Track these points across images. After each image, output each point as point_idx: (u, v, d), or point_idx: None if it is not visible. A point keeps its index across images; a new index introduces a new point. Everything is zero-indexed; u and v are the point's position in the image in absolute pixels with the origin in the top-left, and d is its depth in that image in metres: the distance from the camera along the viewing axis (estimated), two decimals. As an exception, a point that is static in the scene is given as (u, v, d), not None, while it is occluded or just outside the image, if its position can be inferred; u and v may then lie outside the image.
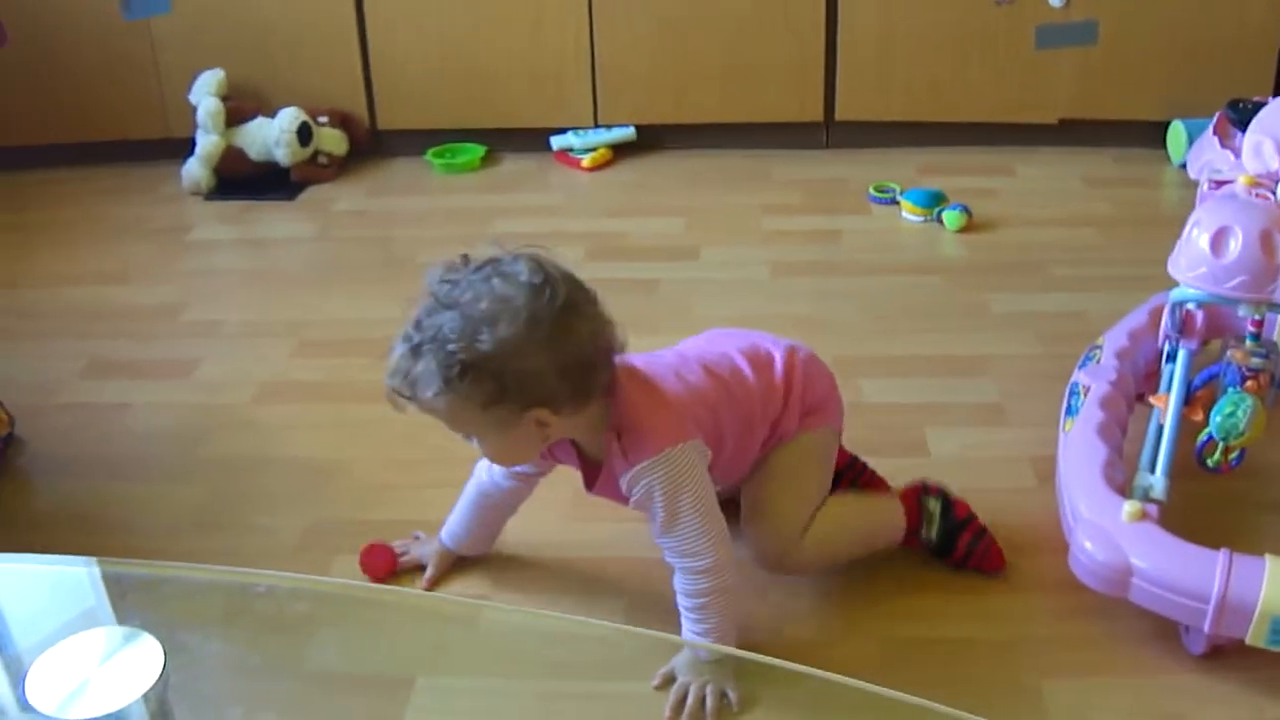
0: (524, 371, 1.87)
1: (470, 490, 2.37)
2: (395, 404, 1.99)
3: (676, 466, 2.00)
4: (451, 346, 1.84)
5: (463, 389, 1.86)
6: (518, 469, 2.27)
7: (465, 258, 1.95)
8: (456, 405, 1.90)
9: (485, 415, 1.91)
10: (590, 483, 2.15)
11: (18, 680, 1.43)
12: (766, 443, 2.27)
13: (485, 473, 2.34)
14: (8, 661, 1.68)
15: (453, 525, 2.40)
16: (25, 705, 1.38)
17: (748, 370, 2.23)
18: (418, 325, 1.90)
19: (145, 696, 1.38)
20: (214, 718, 1.65)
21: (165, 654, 1.41)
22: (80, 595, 1.80)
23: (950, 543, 2.34)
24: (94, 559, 1.81)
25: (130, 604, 1.77)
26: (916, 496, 2.38)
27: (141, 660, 1.41)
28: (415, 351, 1.89)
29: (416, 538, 2.46)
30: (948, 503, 2.37)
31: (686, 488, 2.01)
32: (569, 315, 1.89)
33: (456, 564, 2.42)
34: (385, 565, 2.40)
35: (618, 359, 2.00)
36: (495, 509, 2.38)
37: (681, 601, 2.05)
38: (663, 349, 2.28)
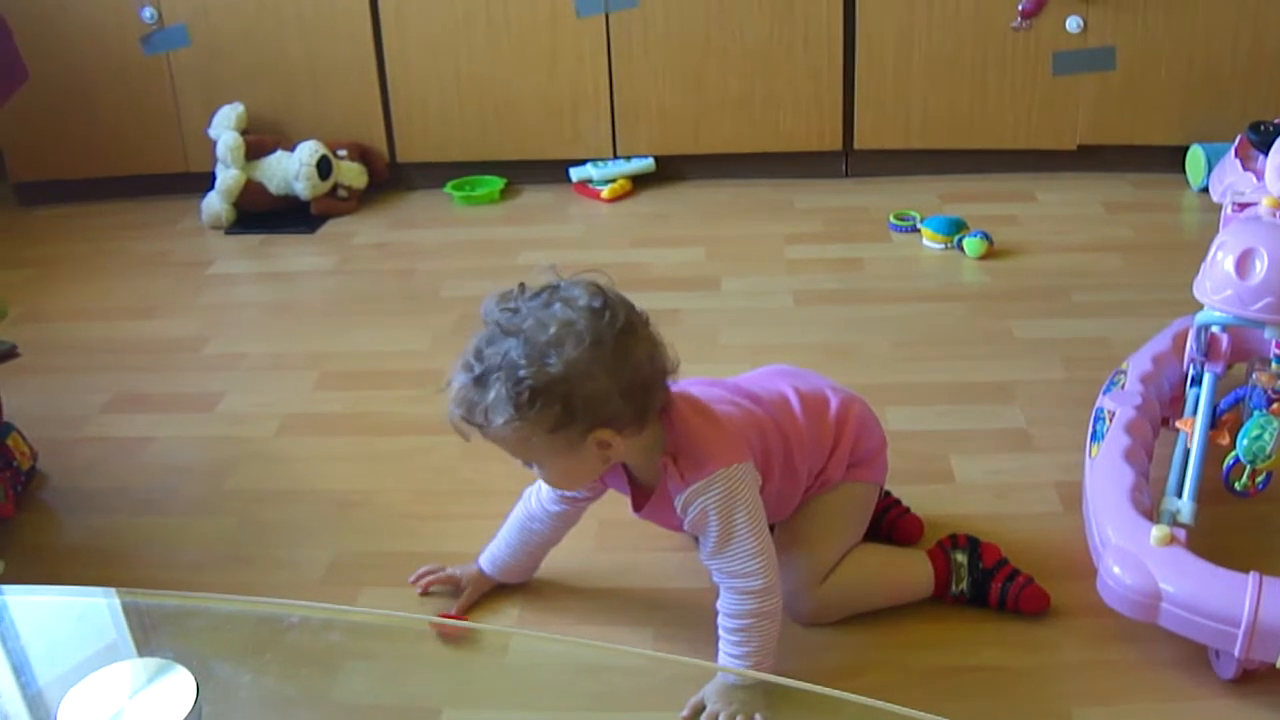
0: (590, 393, 1.88)
1: (516, 516, 2.37)
2: (462, 433, 1.99)
3: (731, 486, 2.01)
4: (522, 373, 1.85)
5: (532, 414, 1.87)
6: (568, 493, 2.28)
7: (522, 286, 1.96)
8: (525, 431, 1.91)
9: (552, 439, 1.92)
10: (639, 505, 2.16)
11: (50, 713, 1.43)
12: (809, 489, 2.29)
13: (534, 499, 2.34)
14: (34, 695, 1.68)
15: (494, 551, 2.39)
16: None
17: (799, 409, 2.26)
18: (479, 355, 1.91)
19: (178, 730, 1.38)
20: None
21: (198, 686, 1.41)
22: (106, 628, 1.80)
23: (982, 592, 2.32)
24: (118, 590, 1.80)
25: (161, 636, 1.77)
26: (944, 552, 2.36)
27: (174, 692, 1.41)
28: (480, 381, 1.90)
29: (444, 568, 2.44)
30: (975, 552, 2.35)
31: (741, 507, 2.02)
32: (628, 337, 1.91)
33: (483, 598, 2.41)
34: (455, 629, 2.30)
35: (671, 382, 2.02)
36: (540, 535, 2.36)
37: (724, 623, 2.05)
38: (721, 378, 2.32)
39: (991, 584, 2.31)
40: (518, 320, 1.90)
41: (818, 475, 2.29)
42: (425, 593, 2.41)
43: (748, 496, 2.03)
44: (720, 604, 2.06)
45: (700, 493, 2.01)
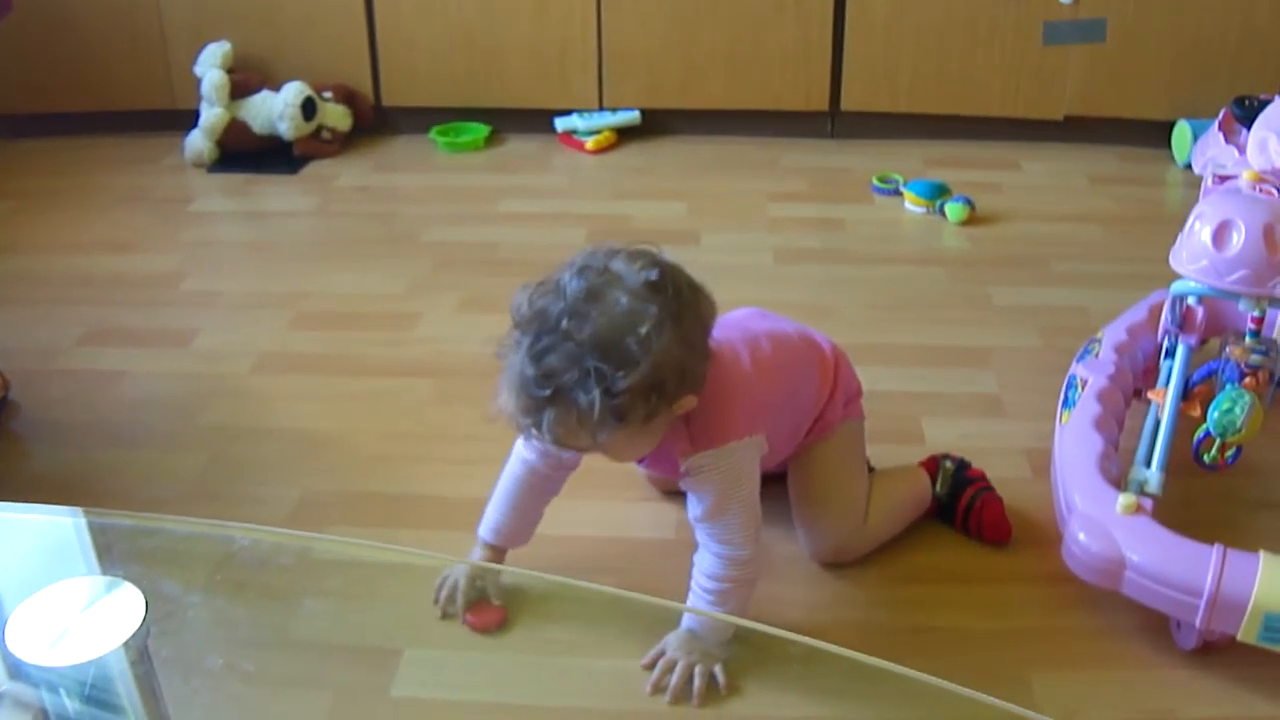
0: (679, 370, 1.82)
1: (516, 474, 2.17)
2: (564, 456, 1.98)
3: (738, 461, 1.99)
4: (620, 383, 1.74)
5: (637, 416, 1.80)
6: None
7: (555, 284, 1.82)
8: (626, 432, 1.83)
9: (645, 425, 1.85)
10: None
11: (-1, 626, 1.44)
12: (811, 430, 2.28)
13: (537, 456, 2.14)
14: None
15: (497, 517, 2.19)
16: (5, 651, 1.37)
17: (807, 353, 2.25)
18: (547, 372, 1.76)
19: (126, 645, 1.37)
20: (195, 668, 1.65)
21: (147, 604, 1.41)
22: (62, 545, 1.79)
23: (955, 497, 2.39)
24: (79, 509, 1.80)
25: (114, 555, 1.76)
26: (935, 462, 2.44)
27: (123, 609, 1.41)
28: (559, 400, 1.77)
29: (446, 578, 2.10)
30: (962, 465, 2.44)
31: (743, 483, 2.00)
32: (693, 297, 1.87)
33: (449, 541, 2.36)
34: (495, 618, 2.05)
35: None
36: (544, 487, 2.19)
37: (701, 583, 2.02)
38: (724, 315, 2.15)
39: (966, 490, 2.39)
40: (582, 324, 1.77)
41: (817, 420, 2.28)
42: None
43: (751, 469, 2.02)
44: (699, 564, 2.04)
45: (708, 461, 1.97)
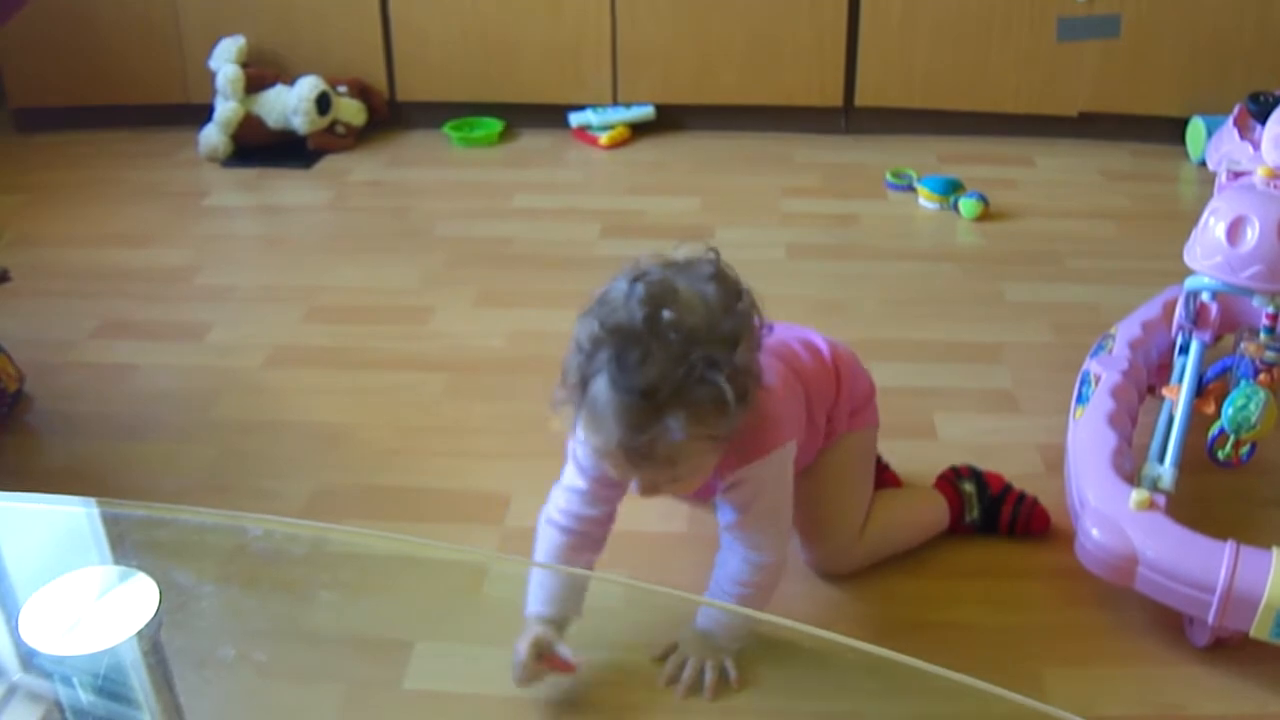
0: (755, 353, 1.80)
1: (555, 541, 2.01)
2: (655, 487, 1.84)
3: (778, 469, 1.97)
4: (738, 360, 1.72)
5: (754, 391, 1.77)
6: (606, 491, 2.00)
7: (623, 297, 1.72)
8: (739, 415, 1.75)
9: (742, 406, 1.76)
10: None
11: (12, 616, 1.43)
12: (826, 438, 2.24)
13: (569, 520, 2.00)
14: (2, 598, 1.68)
15: (549, 590, 1.95)
16: (19, 640, 1.38)
17: (806, 357, 2.18)
18: (659, 379, 1.67)
19: (139, 635, 1.37)
20: (207, 659, 1.65)
21: (160, 594, 1.41)
22: (77, 535, 1.79)
23: (994, 518, 2.37)
24: (92, 499, 1.80)
25: (127, 545, 1.76)
26: (951, 483, 2.39)
27: (136, 599, 1.41)
28: (683, 398, 1.68)
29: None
30: (981, 481, 2.39)
31: (781, 491, 1.99)
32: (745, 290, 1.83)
33: (462, 535, 2.37)
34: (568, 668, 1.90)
35: None
36: (585, 544, 2.02)
37: (725, 586, 1.99)
38: None
39: (1002, 509, 2.36)
40: (676, 320, 1.69)
41: (828, 420, 2.24)
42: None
43: (789, 477, 2.00)
44: (724, 566, 2.01)
45: (754, 472, 1.93)
